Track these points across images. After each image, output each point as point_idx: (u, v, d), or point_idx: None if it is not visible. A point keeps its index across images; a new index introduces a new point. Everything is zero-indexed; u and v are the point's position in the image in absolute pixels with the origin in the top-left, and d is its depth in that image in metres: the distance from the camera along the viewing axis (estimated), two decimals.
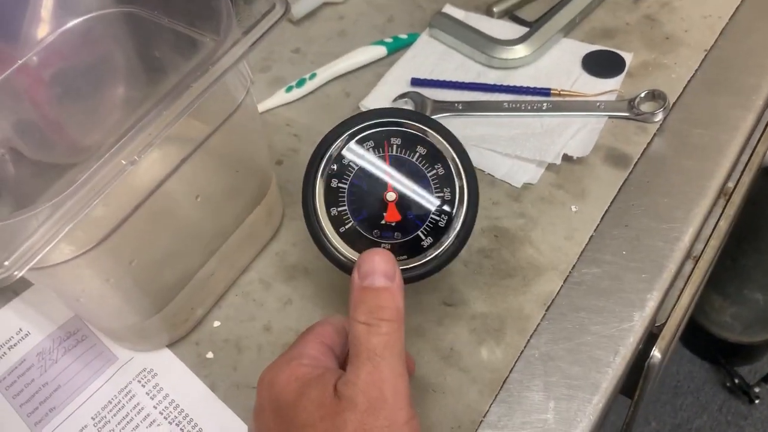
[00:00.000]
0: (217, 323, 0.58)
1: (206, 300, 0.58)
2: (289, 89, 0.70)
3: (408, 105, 0.69)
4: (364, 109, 0.67)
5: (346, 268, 0.46)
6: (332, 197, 0.45)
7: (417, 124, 0.46)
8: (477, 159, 0.64)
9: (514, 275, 0.56)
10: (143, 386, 0.55)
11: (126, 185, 0.42)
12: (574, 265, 0.56)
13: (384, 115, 0.47)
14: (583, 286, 0.55)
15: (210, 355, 0.56)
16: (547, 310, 0.54)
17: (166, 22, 0.55)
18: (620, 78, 0.67)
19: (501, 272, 0.56)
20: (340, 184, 0.45)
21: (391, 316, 0.38)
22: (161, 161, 0.46)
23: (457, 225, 0.45)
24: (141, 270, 0.49)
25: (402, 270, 0.44)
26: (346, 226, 0.45)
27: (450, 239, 0.45)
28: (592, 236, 0.57)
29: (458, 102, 0.66)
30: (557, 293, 0.54)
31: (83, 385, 0.56)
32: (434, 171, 0.45)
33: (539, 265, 0.56)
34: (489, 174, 0.62)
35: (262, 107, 0.71)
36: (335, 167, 0.46)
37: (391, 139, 0.46)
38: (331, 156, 0.47)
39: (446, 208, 0.45)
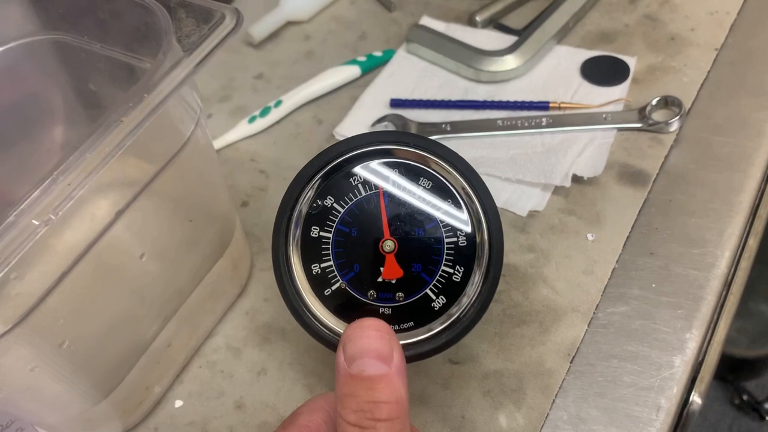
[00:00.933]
0: (179, 403, 0.48)
1: (164, 375, 0.49)
2: (252, 119, 0.63)
3: (389, 129, 0.61)
4: (340, 138, 0.63)
5: (331, 343, 0.37)
6: (313, 251, 0.37)
7: (415, 150, 0.38)
8: None
9: (529, 321, 0.49)
10: None
11: (48, 248, 0.33)
12: (597, 305, 0.49)
13: (372, 141, 0.38)
14: (611, 329, 0.48)
15: None
16: (572, 362, 0.47)
17: (98, 48, 0.46)
18: (625, 85, 0.61)
19: (513, 319, 0.49)
20: (322, 233, 0.37)
21: (391, 414, 0.30)
22: (93, 215, 0.37)
23: (478, 278, 0.37)
24: (77, 350, 0.40)
25: (405, 345, 0.35)
26: (332, 288, 0.37)
27: (470, 298, 0.37)
28: (614, 269, 0.51)
29: (445, 123, 0.61)
30: (582, 340, 0.47)
31: None
32: (443, 208, 0.37)
33: (557, 307, 0.49)
34: None
35: (221, 142, 0.63)
36: (315, 211, 0.37)
37: (386, 171, 0.38)
38: (308, 197, 0.38)
39: (462, 256, 0.37)
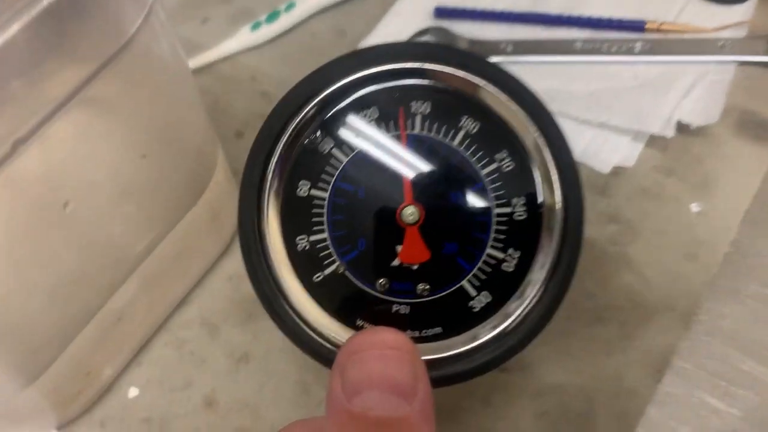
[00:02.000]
0: (134, 391, 0.39)
1: (117, 353, 0.40)
2: (257, 26, 0.53)
3: None
4: None
5: (325, 358, 0.27)
6: (299, 217, 0.27)
7: (460, 74, 0.26)
8: None
9: (605, 320, 0.38)
10: None
11: None
12: (701, 303, 0.38)
13: (396, 56, 0.27)
14: (718, 338, 0.37)
15: None
16: (661, 381, 0.35)
17: None
18: (750, 4, 0.49)
19: (584, 315, 0.38)
20: (314, 191, 0.27)
21: None
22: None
23: (542, 268, 0.26)
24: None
25: (429, 362, 0.24)
26: (325, 272, 0.27)
27: (528, 297, 0.26)
28: (727, 254, 0.39)
29: (506, 41, 0.50)
30: (677, 351, 0.36)
31: None
32: (495, 164, 0.26)
33: (645, 302, 0.38)
34: None
35: (216, 53, 0.52)
36: (304, 160, 0.27)
37: (413, 102, 0.27)
38: (297, 137, 0.27)
39: (518, 235, 0.26)
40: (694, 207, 0.41)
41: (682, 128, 0.43)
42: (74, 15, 0.26)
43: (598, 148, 0.43)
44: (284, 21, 0.52)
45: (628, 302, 0.38)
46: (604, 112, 0.44)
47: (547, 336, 0.36)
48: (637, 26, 0.48)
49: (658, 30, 0.48)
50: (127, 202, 0.34)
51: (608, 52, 0.47)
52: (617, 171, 0.42)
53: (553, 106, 0.44)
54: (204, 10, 0.55)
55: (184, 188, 0.37)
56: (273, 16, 0.52)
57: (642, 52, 0.47)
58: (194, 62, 0.51)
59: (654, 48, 0.47)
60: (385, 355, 0.22)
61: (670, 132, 0.42)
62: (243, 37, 0.52)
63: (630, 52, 0.47)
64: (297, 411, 0.37)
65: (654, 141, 0.43)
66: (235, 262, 0.42)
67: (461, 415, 0.35)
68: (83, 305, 0.35)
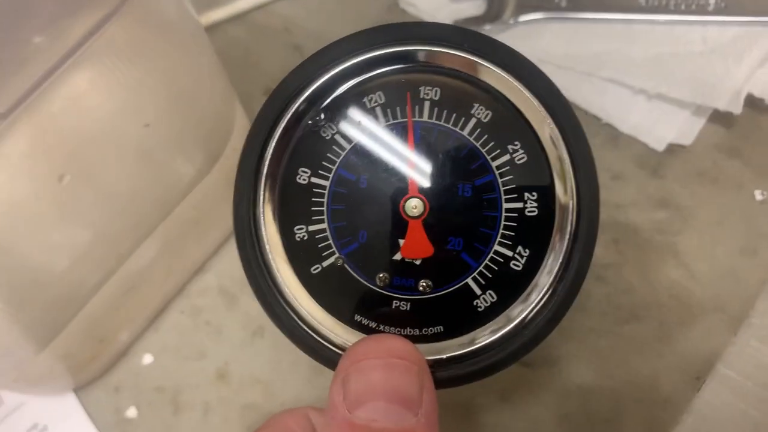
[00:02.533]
0: (148, 358, 0.39)
1: (134, 318, 0.39)
2: None
3: (477, 0, 0.44)
4: (408, 7, 0.48)
5: (321, 355, 0.26)
6: (298, 205, 0.25)
7: (471, 57, 0.24)
8: (587, 96, 0.42)
9: (643, 317, 0.35)
10: None
11: None
12: (755, 306, 0.34)
13: (409, 38, 0.25)
14: None
15: (132, 412, 0.37)
16: (701, 389, 0.33)
17: None
18: None
19: (621, 310, 0.35)
20: (314, 179, 0.25)
21: None
22: None
23: (552, 269, 0.24)
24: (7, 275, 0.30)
25: (433, 364, 0.24)
26: (323, 264, 0.25)
27: (535, 298, 0.24)
28: None
29: None
30: (723, 356, 0.33)
31: None
32: (507, 155, 0.24)
33: (691, 300, 0.35)
34: (607, 123, 0.41)
35: (248, 1, 0.49)
36: (304, 146, 0.25)
37: (421, 88, 0.25)
38: (297, 121, 0.25)
39: (528, 232, 0.25)
40: (758, 195, 0.37)
41: (752, 103, 0.39)
42: None
43: (653, 122, 0.39)
44: None
45: (670, 299, 0.35)
46: (664, 82, 0.39)
47: (576, 332, 0.34)
48: None
49: None
50: (134, 170, 0.33)
51: (676, 11, 0.42)
52: (672, 149, 0.39)
53: (607, 71, 0.41)
54: None
55: (198, 153, 0.36)
56: None
57: (716, 11, 0.42)
58: (227, 10, 0.48)
59: (730, 6, 0.42)
60: (391, 365, 0.22)
61: (737, 108, 0.38)
62: None
63: (702, 10, 0.42)
64: (309, 391, 0.36)
65: (717, 116, 0.39)
66: None
67: (476, 412, 0.34)
68: (95, 270, 0.35)
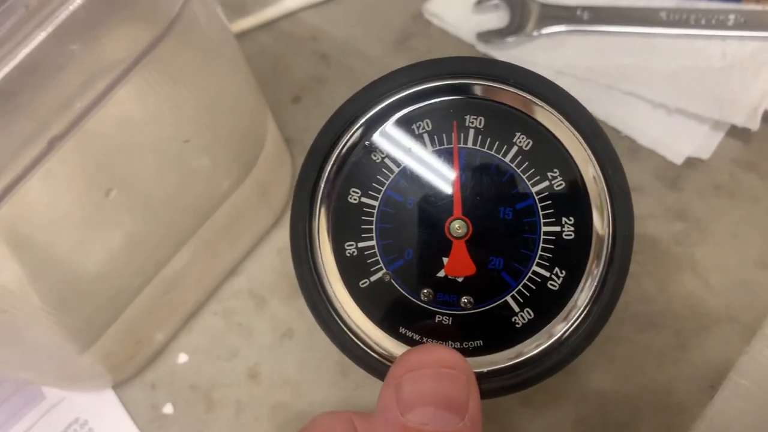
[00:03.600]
0: (183, 357, 0.40)
1: (169, 320, 0.41)
2: None
3: (500, 12, 0.46)
4: (432, 18, 0.50)
5: (367, 364, 0.27)
6: (349, 223, 0.27)
7: (516, 92, 0.26)
8: (608, 108, 0.43)
9: (660, 326, 0.37)
10: None
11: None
12: None
13: (459, 71, 0.26)
14: None
15: (168, 409, 0.39)
16: (714, 396, 0.34)
17: None
18: None
19: (638, 319, 0.37)
20: (365, 199, 0.27)
21: None
22: None
23: (587, 290, 0.26)
24: (53, 280, 0.32)
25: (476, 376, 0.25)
26: (371, 278, 0.27)
27: (571, 318, 0.26)
28: None
29: (581, 7, 0.47)
30: (736, 366, 0.34)
31: None
32: (546, 182, 0.26)
33: (707, 310, 0.37)
34: (627, 136, 0.42)
35: (278, 9, 0.51)
36: (357, 168, 0.27)
37: (467, 117, 0.26)
38: (353, 145, 0.27)
39: (565, 254, 0.26)
40: None
41: None
42: None
43: (672, 136, 0.41)
44: None
45: (686, 309, 0.36)
46: (684, 97, 0.41)
47: (595, 339, 0.35)
48: None
49: (756, 1, 0.44)
50: (173, 183, 0.34)
51: (696, 25, 0.44)
52: (691, 162, 0.40)
53: (627, 84, 0.42)
54: None
55: (233, 163, 0.37)
56: None
57: (735, 26, 0.43)
58: (255, 18, 0.50)
59: (749, 22, 0.43)
60: (441, 374, 0.23)
61: (755, 124, 0.39)
62: None
63: (721, 25, 0.43)
64: (335, 392, 0.38)
65: (735, 131, 0.40)
66: (285, 234, 0.41)
67: (497, 417, 0.35)
68: (135, 277, 0.36)
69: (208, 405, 0.39)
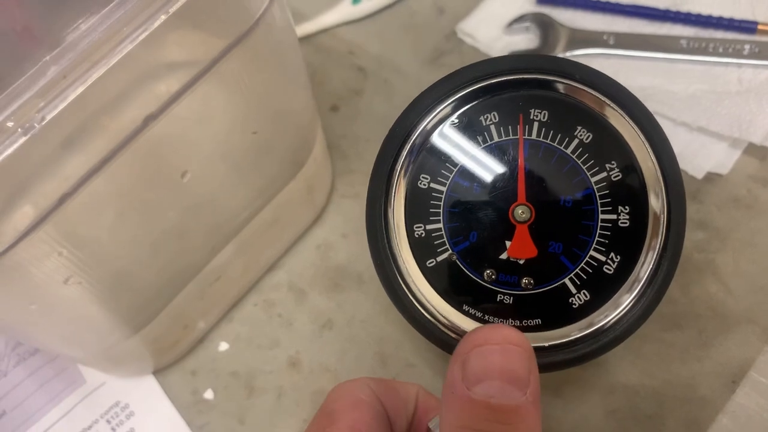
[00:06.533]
0: (224, 345, 0.41)
1: (212, 309, 0.42)
2: (357, 0, 0.54)
3: (530, 34, 0.49)
4: (463, 36, 0.52)
5: (435, 336, 0.29)
6: (418, 206, 0.29)
7: (581, 87, 0.28)
8: None
9: (684, 326, 0.39)
10: (113, 429, 0.40)
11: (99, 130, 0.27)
12: None
13: (520, 67, 0.29)
14: None
15: (209, 394, 0.40)
16: (735, 392, 0.37)
17: None
18: None
19: (664, 319, 0.39)
20: (433, 185, 0.29)
21: None
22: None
23: (640, 274, 0.28)
24: (113, 265, 0.33)
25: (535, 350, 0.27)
26: (437, 258, 0.29)
27: (625, 300, 0.28)
28: None
29: (608, 33, 0.50)
30: (755, 364, 0.37)
31: (34, 415, 0.42)
32: (605, 173, 0.28)
33: (727, 312, 0.39)
34: None
35: (316, 24, 0.53)
36: (428, 155, 0.29)
37: (532, 110, 0.28)
38: (423, 135, 0.29)
39: (620, 241, 0.28)
40: None
41: None
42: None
43: (693, 153, 0.43)
44: None
45: (708, 311, 0.39)
46: (704, 116, 0.44)
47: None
48: (748, 27, 0.47)
49: None
50: (236, 175, 0.36)
51: (714, 53, 0.47)
52: (710, 177, 0.43)
53: (650, 104, 0.45)
54: None
55: (288, 161, 0.40)
56: None
57: (750, 56, 0.46)
58: (296, 32, 0.52)
59: (764, 52, 0.46)
60: (507, 350, 0.25)
61: None
62: (344, 10, 0.53)
63: (738, 54, 0.46)
64: None
65: (752, 149, 0.43)
66: (324, 231, 0.45)
67: None
68: (188, 266, 0.38)
69: (249, 391, 0.40)
